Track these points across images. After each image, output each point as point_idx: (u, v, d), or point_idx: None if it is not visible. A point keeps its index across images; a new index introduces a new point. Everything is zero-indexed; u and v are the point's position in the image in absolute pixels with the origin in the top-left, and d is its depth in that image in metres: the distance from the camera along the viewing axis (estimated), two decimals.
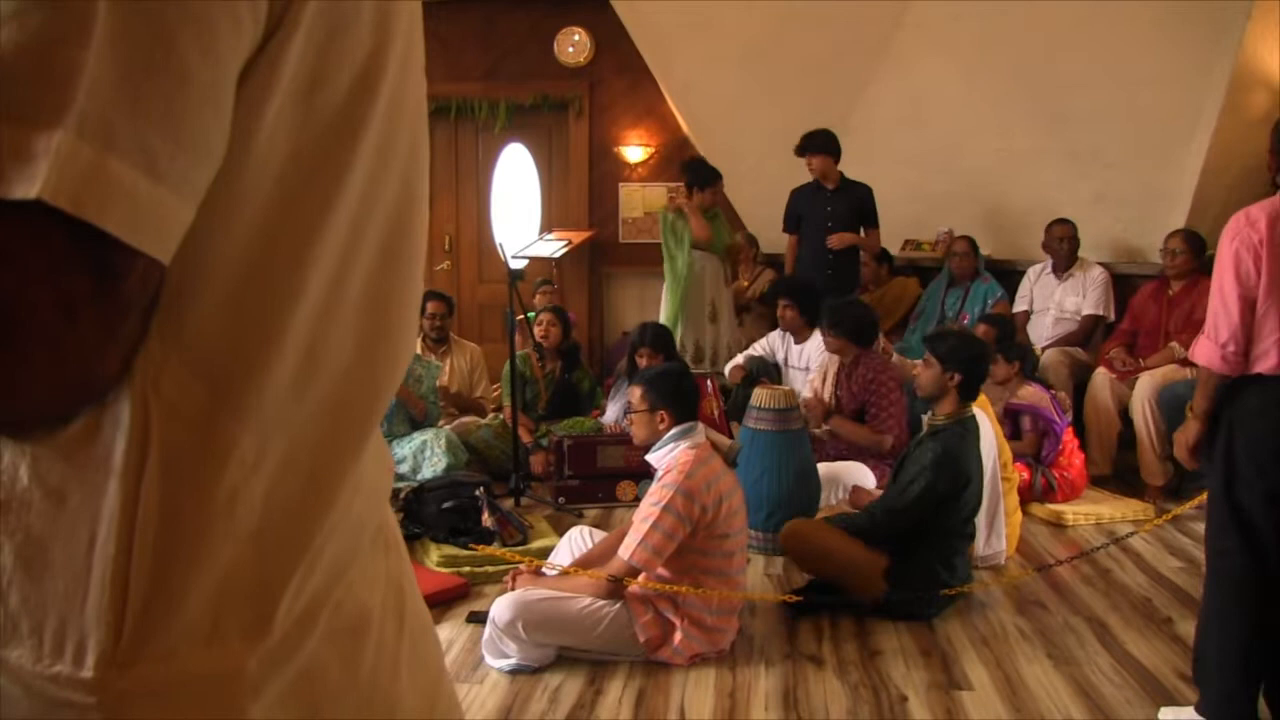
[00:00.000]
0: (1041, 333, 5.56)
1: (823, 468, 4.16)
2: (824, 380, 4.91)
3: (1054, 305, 5.54)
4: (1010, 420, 4.58)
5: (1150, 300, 5.08)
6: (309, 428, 0.62)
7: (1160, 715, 2.64)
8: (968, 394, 3.40)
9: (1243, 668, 2.43)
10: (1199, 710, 2.52)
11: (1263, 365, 2.34)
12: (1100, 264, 5.56)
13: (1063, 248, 5.51)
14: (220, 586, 0.58)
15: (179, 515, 0.56)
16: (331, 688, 0.64)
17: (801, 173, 5.87)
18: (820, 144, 5.67)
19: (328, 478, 0.63)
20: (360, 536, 0.68)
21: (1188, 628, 3.15)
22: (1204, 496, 3.29)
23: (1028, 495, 4.38)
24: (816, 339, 5.23)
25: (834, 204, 5.80)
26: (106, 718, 0.56)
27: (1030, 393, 4.57)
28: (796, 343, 5.32)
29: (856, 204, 5.79)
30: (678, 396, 3.04)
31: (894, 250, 6.59)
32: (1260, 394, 2.36)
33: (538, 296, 6.63)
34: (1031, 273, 5.75)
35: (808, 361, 5.22)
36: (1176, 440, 2.66)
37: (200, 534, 0.57)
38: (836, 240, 5.74)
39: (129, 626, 0.55)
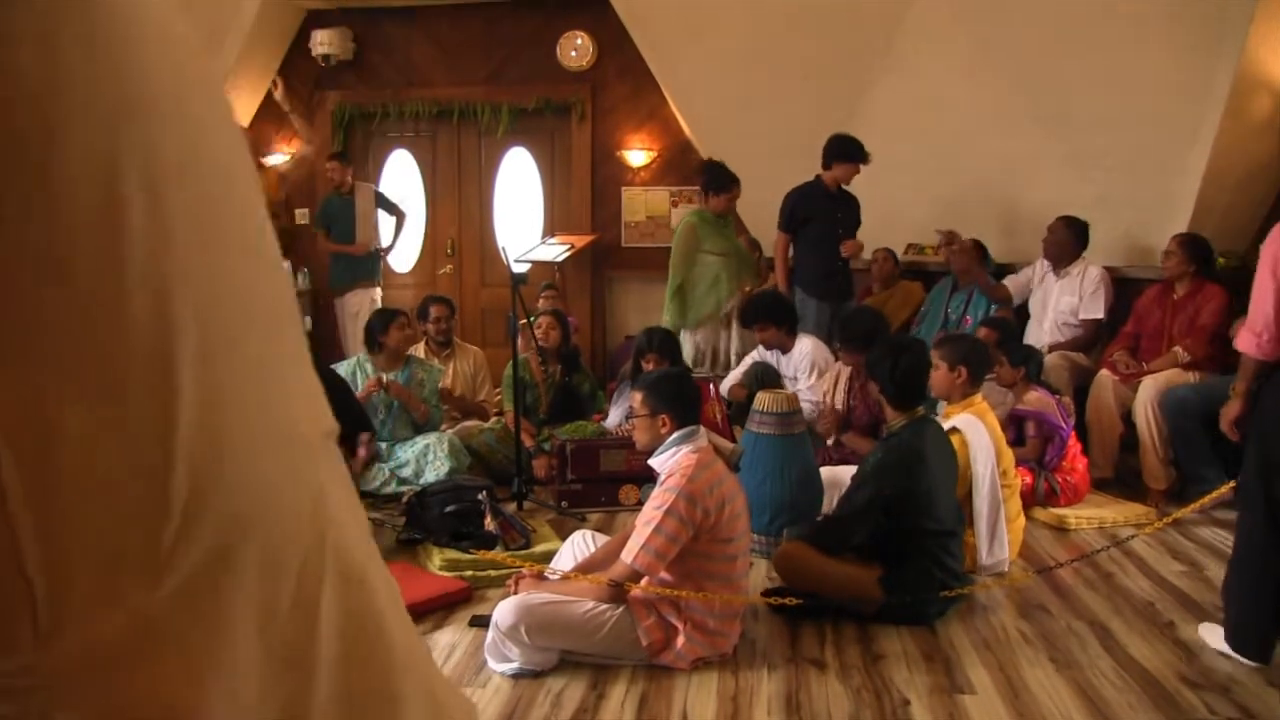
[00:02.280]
0: (1041, 333, 5.53)
1: (825, 471, 4.16)
2: (835, 386, 4.90)
3: (1051, 304, 5.53)
4: (1014, 426, 4.56)
5: (1154, 304, 5.07)
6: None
7: (1200, 629, 3.09)
8: (905, 401, 3.44)
9: (1257, 603, 2.86)
10: (1226, 639, 2.96)
11: None
12: (1104, 266, 5.51)
13: (1048, 239, 5.49)
14: (102, 549, 0.60)
15: (40, 494, 0.58)
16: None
17: (804, 176, 5.88)
18: (864, 153, 5.71)
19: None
20: (271, 496, 0.69)
21: (1190, 632, 3.16)
22: (1205, 500, 3.36)
23: (1030, 500, 4.36)
24: (801, 346, 5.21)
25: (843, 210, 5.83)
26: (49, 697, 0.59)
27: (1036, 398, 4.56)
28: (783, 353, 5.31)
29: (856, 210, 5.87)
30: (678, 401, 3.04)
31: (897, 253, 6.58)
32: None
33: (540, 300, 6.65)
34: (1036, 268, 5.69)
35: (795, 370, 5.21)
36: (1222, 415, 3.09)
37: (64, 507, 0.59)
38: (849, 248, 5.81)
39: (40, 607, 0.58)
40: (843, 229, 5.80)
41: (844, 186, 5.80)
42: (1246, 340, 2.88)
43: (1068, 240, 5.45)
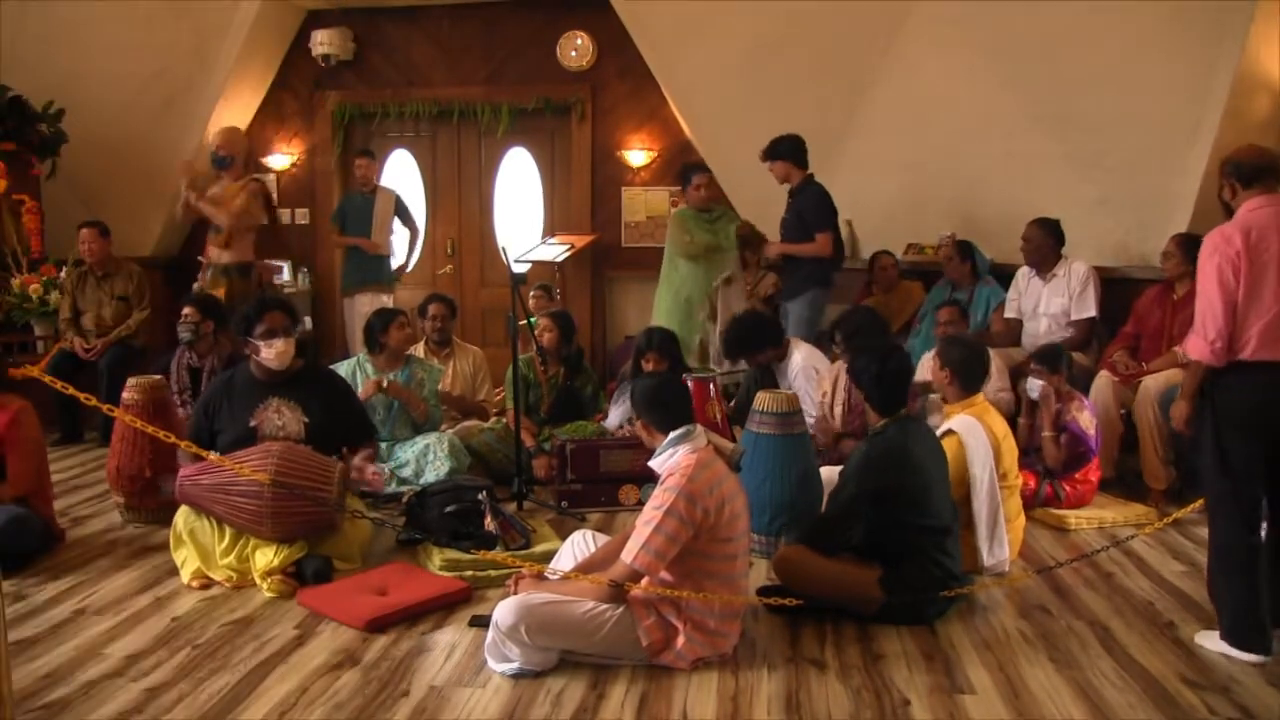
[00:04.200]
0: (1036, 339, 5.49)
1: (825, 471, 4.15)
2: (833, 391, 4.87)
3: (1042, 309, 5.51)
4: (1059, 430, 4.54)
5: (1154, 304, 5.06)
6: None
7: (1196, 638, 3.11)
8: (890, 406, 3.42)
9: (1245, 596, 2.95)
10: (1222, 638, 3.01)
11: (1245, 352, 2.93)
12: (1091, 265, 5.42)
13: (1026, 247, 5.48)
14: None
15: None
16: None
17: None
18: (769, 151, 5.77)
19: None
20: None
21: (1191, 632, 3.16)
22: (1205, 499, 3.34)
23: (1031, 502, 4.36)
24: (795, 357, 5.15)
25: (788, 210, 5.84)
26: None
27: (1086, 417, 4.51)
28: (779, 361, 5.29)
29: (797, 209, 5.81)
30: (653, 408, 3.05)
31: (897, 254, 6.59)
32: (1240, 374, 2.96)
33: (530, 301, 6.64)
34: (1020, 278, 5.65)
35: (789, 383, 5.16)
36: (1172, 414, 3.24)
37: None
38: (771, 249, 5.89)
39: None
40: (783, 229, 5.88)
41: (805, 183, 5.79)
42: (1199, 348, 3.00)
43: (1045, 242, 5.43)
